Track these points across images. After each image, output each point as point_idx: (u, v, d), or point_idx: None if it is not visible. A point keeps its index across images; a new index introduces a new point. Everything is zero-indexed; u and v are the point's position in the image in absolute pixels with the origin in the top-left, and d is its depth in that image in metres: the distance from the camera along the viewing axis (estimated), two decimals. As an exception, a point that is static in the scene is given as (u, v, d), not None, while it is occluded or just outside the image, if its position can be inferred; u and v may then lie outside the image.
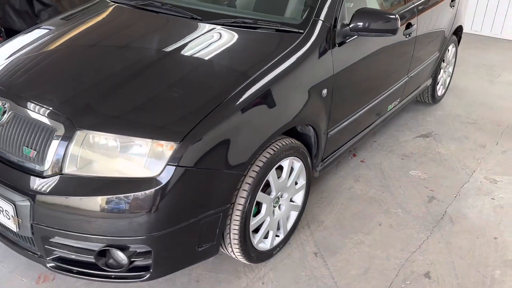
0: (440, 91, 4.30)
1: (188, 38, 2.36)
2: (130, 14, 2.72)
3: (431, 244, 2.60)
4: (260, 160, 2.10)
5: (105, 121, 1.91)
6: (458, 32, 4.27)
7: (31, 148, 1.91)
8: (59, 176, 1.86)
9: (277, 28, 2.39)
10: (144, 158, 1.83)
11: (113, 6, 2.80)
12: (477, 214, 2.88)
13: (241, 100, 1.99)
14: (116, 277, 1.96)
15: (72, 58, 2.33)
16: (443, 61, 4.13)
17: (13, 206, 1.88)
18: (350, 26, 2.43)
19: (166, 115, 1.93)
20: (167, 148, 1.82)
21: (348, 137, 2.91)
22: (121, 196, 1.80)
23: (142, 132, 1.86)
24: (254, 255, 2.28)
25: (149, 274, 1.95)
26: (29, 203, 1.85)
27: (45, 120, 1.91)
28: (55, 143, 1.87)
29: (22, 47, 2.46)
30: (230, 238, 2.13)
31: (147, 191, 1.80)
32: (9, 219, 1.93)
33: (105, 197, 1.81)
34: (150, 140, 1.83)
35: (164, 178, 1.80)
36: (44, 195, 1.85)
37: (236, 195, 2.06)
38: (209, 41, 2.33)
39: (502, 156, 3.55)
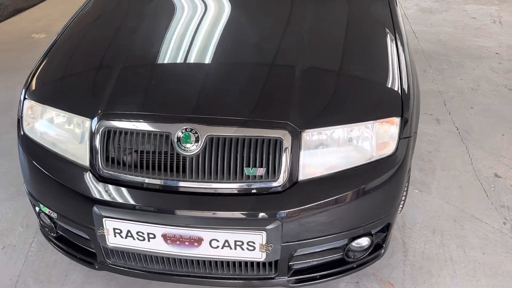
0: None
1: (303, 13, 2.31)
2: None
3: (479, 155, 3.11)
4: None
5: (322, 116, 1.80)
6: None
7: (255, 167, 1.69)
8: (296, 185, 1.72)
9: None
10: (374, 140, 1.80)
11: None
12: (488, 105, 3.62)
13: (407, 66, 2.06)
14: (357, 266, 1.93)
15: (215, 62, 2.05)
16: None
17: (264, 233, 1.66)
18: None
19: (369, 94, 1.91)
20: (392, 124, 1.83)
21: None
22: (373, 182, 1.77)
23: (362, 116, 1.81)
24: None
25: (383, 250, 1.98)
26: (280, 223, 1.67)
27: (264, 133, 1.69)
28: (285, 152, 1.69)
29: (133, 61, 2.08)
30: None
31: (392, 170, 1.80)
32: (253, 250, 1.70)
33: (354, 190, 1.75)
34: (372, 121, 1.80)
35: (400, 153, 1.83)
36: (291, 210, 1.69)
37: None
38: (325, 14, 2.32)
39: (462, 69, 4.28)
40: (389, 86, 1.93)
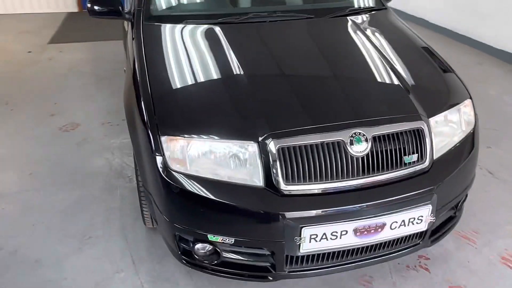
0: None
1: (351, 33, 2.50)
2: (261, 28, 2.49)
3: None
4: None
5: (433, 106, 2.02)
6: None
7: (411, 154, 1.85)
8: (435, 162, 1.95)
9: (370, 8, 2.76)
10: (462, 118, 2.11)
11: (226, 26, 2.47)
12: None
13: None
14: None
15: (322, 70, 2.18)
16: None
17: (430, 206, 1.85)
18: None
19: (448, 86, 2.23)
20: (468, 105, 2.16)
21: None
22: (471, 148, 2.10)
23: (453, 101, 2.12)
24: None
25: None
26: (436, 195, 1.89)
27: (410, 125, 1.89)
28: (427, 138, 1.90)
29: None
30: None
31: (476, 138, 2.16)
32: (419, 223, 1.88)
33: (465, 157, 2.06)
34: (459, 104, 2.12)
35: (476, 126, 2.18)
36: (440, 183, 1.90)
37: None
38: (364, 31, 2.54)
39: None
40: (455, 77, 2.29)
